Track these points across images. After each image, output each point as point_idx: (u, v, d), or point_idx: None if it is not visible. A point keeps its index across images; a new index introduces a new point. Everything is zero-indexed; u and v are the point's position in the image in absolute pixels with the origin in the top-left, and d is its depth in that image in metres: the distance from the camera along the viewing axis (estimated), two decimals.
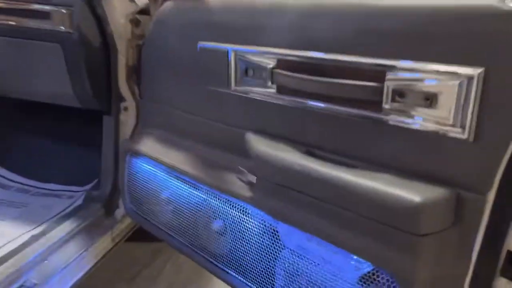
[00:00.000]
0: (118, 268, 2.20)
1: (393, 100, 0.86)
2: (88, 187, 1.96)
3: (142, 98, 1.62)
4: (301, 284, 1.06)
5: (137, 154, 1.51)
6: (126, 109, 1.71)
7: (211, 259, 1.29)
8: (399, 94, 0.85)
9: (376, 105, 0.88)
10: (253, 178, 1.13)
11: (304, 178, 0.96)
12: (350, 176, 0.88)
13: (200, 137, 1.35)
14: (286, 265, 1.09)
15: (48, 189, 1.96)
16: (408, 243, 0.81)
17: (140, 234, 2.52)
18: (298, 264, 1.06)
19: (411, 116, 0.84)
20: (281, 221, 1.06)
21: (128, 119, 1.71)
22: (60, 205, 1.78)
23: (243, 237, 1.19)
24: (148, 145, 1.50)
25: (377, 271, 0.90)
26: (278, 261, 1.11)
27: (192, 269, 2.24)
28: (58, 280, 1.41)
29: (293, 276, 1.08)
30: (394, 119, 0.86)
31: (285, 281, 1.10)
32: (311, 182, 0.95)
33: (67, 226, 1.56)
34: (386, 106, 0.87)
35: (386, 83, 0.86)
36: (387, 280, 0.88)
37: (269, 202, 1.07)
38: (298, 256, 1.06)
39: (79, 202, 1.77)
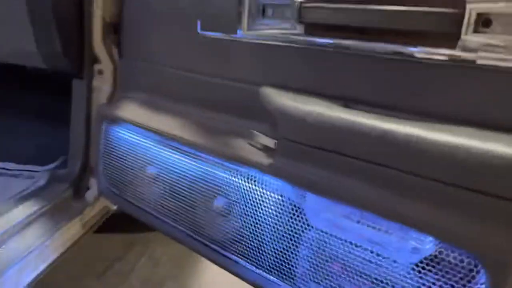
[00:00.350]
0: (86, 262, 1.92)
1: (475, 30, 0.66)
2: (51, 166, 1.67)
3: (122, 57, 1.36)
4: (333, 272, 0.85)
5: (117, 121, 1.26)
6: (100, 72, 1.44)
7: (214, 246, 1.06)
8: (484, 22, 0.66)
9: (451, 39, 0.68)
10: (271, 142, 0.91)
11: (350, 136, 0.75)
12: (419, 130, 0.68)
13: (198, 99, 1.11)
14: (314, 249, 0.88)
15: (4, 169, 1.66)
16: (503, 213, 0.61)
17: (110, 225, 2.25)
18: (330, 248, 0.85)
19: (503, 52, 0.64)
20: (311, 191, 0.84)
21: (102, 85, 1.44)
22: (18, 185, 1.49)
23: (255, 217, 0.96)
24: (131, 110, 1.24)
25: (446, 253, 0.70)
26: (302, 245, 0.90)
27: (170, 262, 1.99)
28: (15, 272, 1.14)
29: (323, 262, 0.86)
30: (476, 57, 0.67)
31: (311, 269, 0.89)
32: (360, 141, 0.74)
33: (27, 209, 1.28)
34: (466, 38, 0.67)
35: (469, 7, 0.66)
36: (463, 264, 0.68)
37: (295, 169, 0.85)
38: (330, 238, 0.85)
39: (42, 182, 1.48)
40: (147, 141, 1.18)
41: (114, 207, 1.60)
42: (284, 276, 0.93)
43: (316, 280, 0.88)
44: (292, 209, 0.91)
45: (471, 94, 0.68)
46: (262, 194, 0.94)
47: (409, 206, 0.70)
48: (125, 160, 1.25)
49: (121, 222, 2.30)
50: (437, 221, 0.67)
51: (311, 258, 0.89)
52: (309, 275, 0.89)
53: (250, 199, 0.96)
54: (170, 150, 1.12)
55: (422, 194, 0.68)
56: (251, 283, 0.98)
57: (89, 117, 1.44)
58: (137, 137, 1.21)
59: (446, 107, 0.71)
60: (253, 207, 0.96)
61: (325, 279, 0.87)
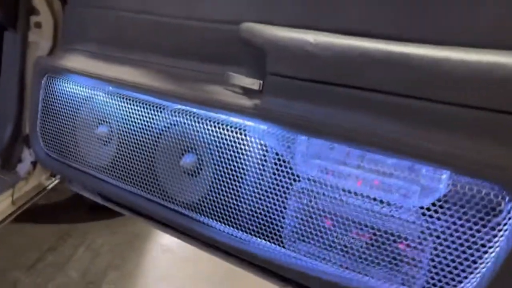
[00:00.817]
0: (14, 253, 1.67)
1: None
2: None
3: (67, 4, 1.18)
4: (325, 228, 0.76)
5: (62, 72, 1.08)
6: (38, 25, 1.25)
7: (182, 210, 0.92)
8: None
9: None
10: (254, 83, 0.80)
11: (358, 64, 0.66)
12: (441, 51, 0.60)
13: (162, 46, 0.97)
14: (303, 203, 0.78)
15: None
16: None
17: (42, 216, 2.00)
18: (323, 200, 0.75)
19: None
20: (307, 132, 0.74)
21: (41, 40, 1.25)
22: None
23: (233, 173, 0.84)
24: (81, 61, 1.07)
25: (463, 190, 0.63)
26: (289, 200, 0.79)
27: (111, 252, 1.79)
28: None
29: (314, 217, 0.76)
30: None
31: (300, 227, 0.78)
32: (371, 68, 0.65)
33: None
34: None
35: None
36: (484, 200, 0.61)
37: (287, 108, 0.75)
38: (323, 188, 0.75)
39: None
40: (100, 93, 1.02)
41: (49, 183, 1.39)
42: (268, 236, 0.82)
43: (305, 239, 0.78)
44: (278, 160, 0.80)
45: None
46: (240, 145, 0.82)
47: (425, 136, 0.62)
48: (71, 118, 1.07)
49: (54, 212, 2.07)
50: (459, 151, 0.60)
51: (299, 214, 0.78)
52: (297, 233, 0.79)
53: (226, 152, 0.84)
54: (129, 103, 0.97)
55: (441, 122, 0.61)
56: (229, 247, 0.86)
57: (23, 76, 1.24)
58: (87, 90, 1.04)
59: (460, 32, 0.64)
60: (231, 161, 0.84)
61: (316, 236, 0.77)
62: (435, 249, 0.65)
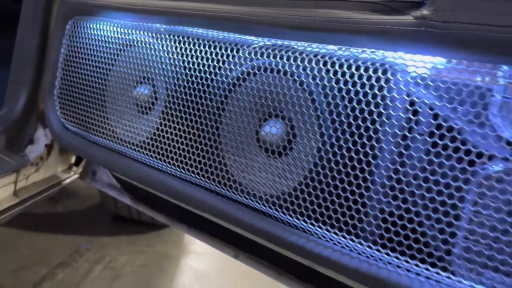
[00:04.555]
0: (15, 267, 1.36)
1: None
2: None
3: None
4: None
5: (93, 10, 0.78)
6: None
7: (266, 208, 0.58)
8: None
9: None
10: None
11: None
12: None
13: None
14: (495, 199, 0.43)
15: None
16: None
17: (54, 222, 1.68)
18: None
19: None
20: None
21: None
22: None
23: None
24: None
25: None
26: (468, 194, 0.44)
27: (136, 275, 1.45)
28: None
29: None
30: None
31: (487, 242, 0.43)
32: None
33: None
34: None
35: None
36: None
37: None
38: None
39: None
40: (145, 36, 0.71)
41: (65, 178, 1.08)
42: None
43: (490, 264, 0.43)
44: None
45: None
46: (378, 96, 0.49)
47: None
48: (100, 78, 0.76)
49: (70, 222, 1.75)
50: None
51: (482, 220, 0.43)
52: (477, 254, 0.43)
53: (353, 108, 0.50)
54: (189, 45, 0.65)
55: None
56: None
57: (46, 26, 0.95)
58: (126, 34, 0.73)
59: None
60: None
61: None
62: None
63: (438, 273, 0.45)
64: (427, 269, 0.46)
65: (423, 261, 0.46)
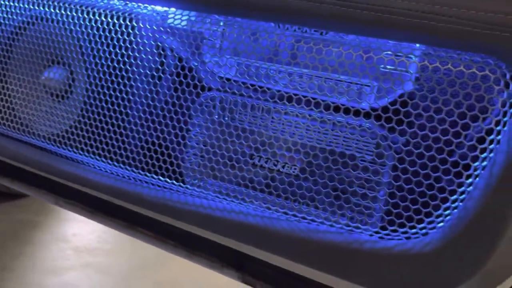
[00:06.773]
0: None
1: None
2: None
3: None
4: (247, 149, 0.53)
5: None
6: None
7: None
8: None
9: None
10: None
11: None
12: None
13: None
14: (214, 119, 0.54)
15: None
16: None
17: None
18: (244, 111, 0.53)
19: None
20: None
21: None
22: None
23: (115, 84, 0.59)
24: None
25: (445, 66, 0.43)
26: (194, 116, 0.55)
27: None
28: None
29: (231, 137, 0.53)
30: None
31: (210, 152, 0.54)
32: None
33: None
34: None
35: None
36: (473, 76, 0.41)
37: None
38: (245, 93, 0.52)
39: None
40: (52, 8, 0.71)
41: None
42: (163, 170, 0.57)
43: (215, 171, 0.55)
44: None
45: None
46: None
47: None
48: None
49: None
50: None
51: (206, 136, 0.55)
52: (205, 164, 0.55)
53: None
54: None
55: None
56: (110, 191, 0.60)
57: None
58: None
59: None
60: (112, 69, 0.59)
61: (231, 167, 0.54)
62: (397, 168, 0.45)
63: (173, 183, 0.56)
64: (166, 181, 0.57)
65: (163, 175, 0.57)
